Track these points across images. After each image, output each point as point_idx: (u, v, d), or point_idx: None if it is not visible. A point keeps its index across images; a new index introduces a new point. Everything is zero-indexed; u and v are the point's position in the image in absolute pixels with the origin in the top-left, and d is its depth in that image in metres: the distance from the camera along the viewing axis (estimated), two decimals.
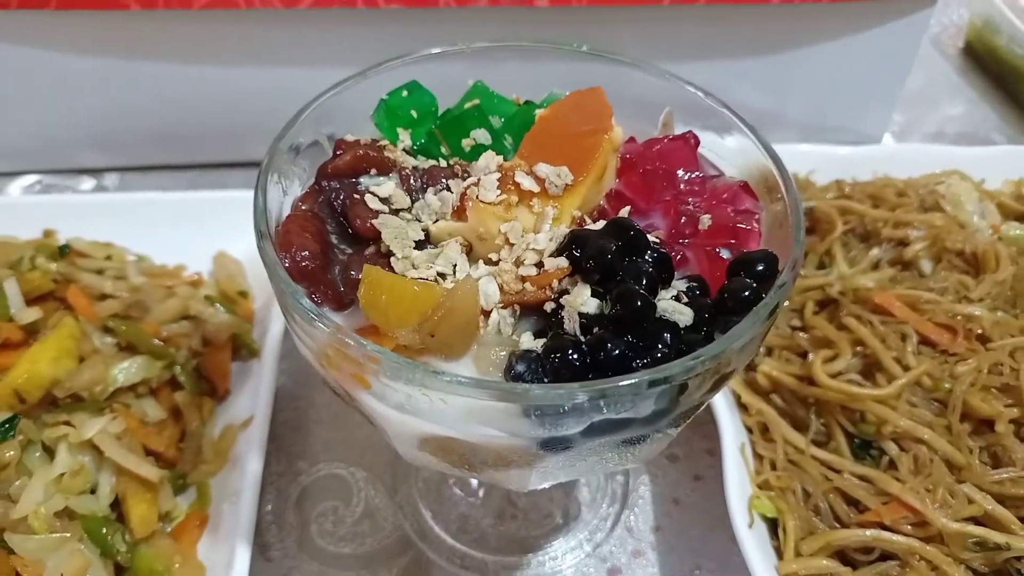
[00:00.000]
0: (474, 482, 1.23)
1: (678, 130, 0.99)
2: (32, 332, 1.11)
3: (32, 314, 1.10)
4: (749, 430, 1.18)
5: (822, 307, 1.30)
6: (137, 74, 1.60)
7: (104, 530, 1.02)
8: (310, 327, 0.72)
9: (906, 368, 1.12)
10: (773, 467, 1.13)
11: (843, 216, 1.41)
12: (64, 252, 1.29)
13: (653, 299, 0.76)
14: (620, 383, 0.66)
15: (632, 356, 0.71)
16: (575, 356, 0.72)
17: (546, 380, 0.73)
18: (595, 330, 0.75)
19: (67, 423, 1.05)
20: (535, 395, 0.65)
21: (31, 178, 1.74)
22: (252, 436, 1.15)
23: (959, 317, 1.17)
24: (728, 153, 0.99)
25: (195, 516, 1.10)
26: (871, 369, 1.17)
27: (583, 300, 0.76)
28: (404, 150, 0.95)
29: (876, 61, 1.77)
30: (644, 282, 0.76)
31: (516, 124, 0.97)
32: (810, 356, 1.19)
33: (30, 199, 1.62)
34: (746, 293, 0.76)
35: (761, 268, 0.79)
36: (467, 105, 0.97)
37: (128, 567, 1.02)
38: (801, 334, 1.25)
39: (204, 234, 1.41)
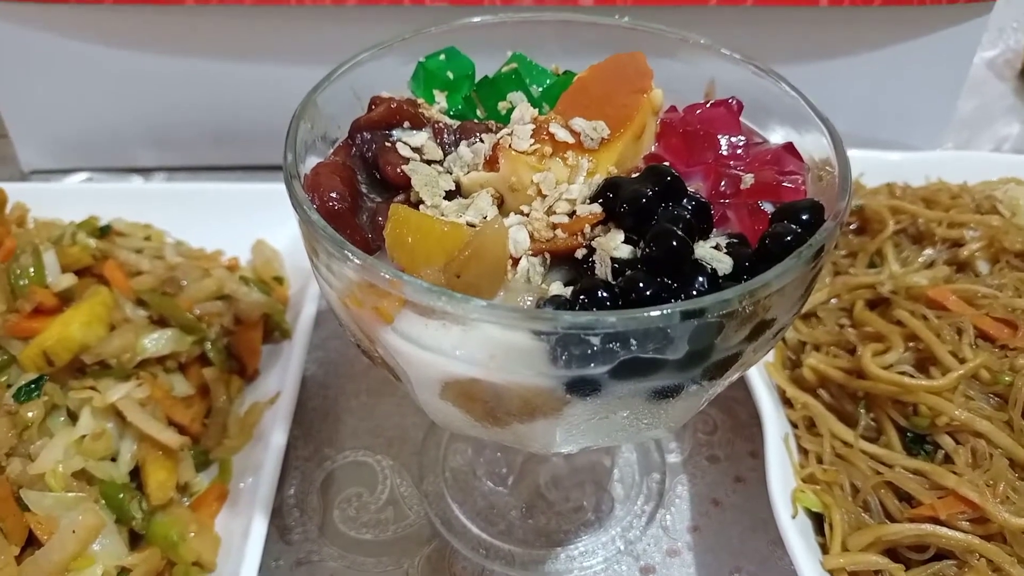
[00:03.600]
0: (503, 470, 1.19)
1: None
2: (67, 300, 1.12)
3: (66, 280, 1.10)
4: (794, 425, 1.12)
5: (872, 307, 1.24)
6: (191, 71, 1.63)
7: (121, 496, 1.00)
8: (335, 261, 0.69)
9: (962, 361, 1.06)
10: (819, 461, 1.06)
11: (895, 216, 1.36)
12: (105, 231, 1.30)
13: (691, 243, 0.72)
14: (650, 312, 0.62)
15: (666, 298, 0.68)
16: (605, 295, 0.68)
17: None
18: (628, 273, 0.71)
19: (92, 388, 1.04)
20: (562, 320, 0.62)
21: (81, 175, 1.78)
22: (277, 412, 1.13)
23: (1020, 312, 1.10)
24: (774, 122, 0.95)
25: (215, 489, 1.08)
26: (924, 364, 1.10)
27: (616, 244, 0.73)
28: (439, 112, 0.94)
29: (929, 70, 1.72)
30: (680, 226, 0.72)
31: (555, 94, 0.95)
32: (859, 350, 1.13)
33: (77, 186, 1.66)
34: (789, 238, 0.72)
35: (806, 216, 0.75)
36: (505, 69, 0.96)
37: (143, 534, 0.99)
38: (851, 330, 1.19)
39: (244, 224, 1.42)
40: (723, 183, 0.86)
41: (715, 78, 1.00)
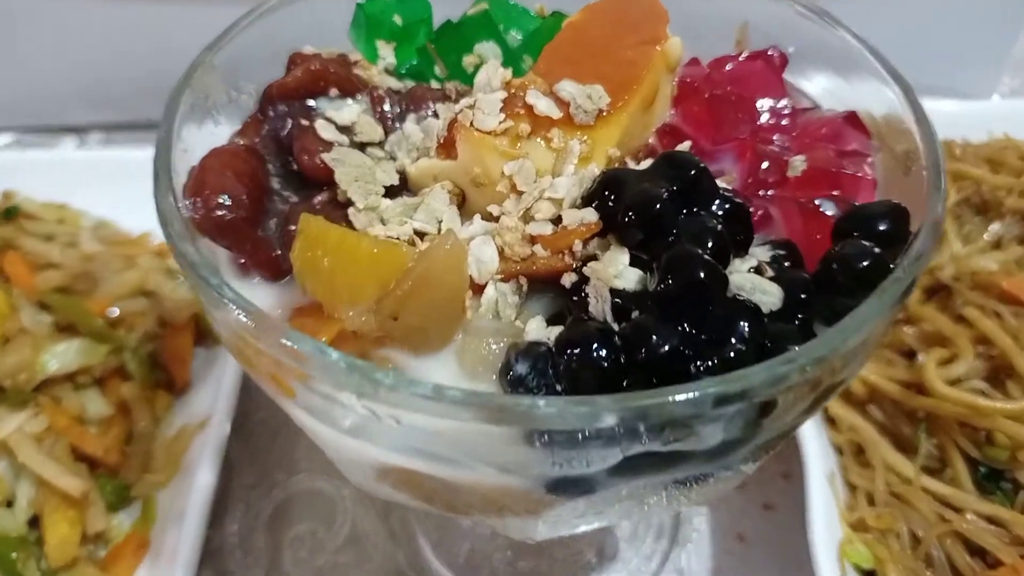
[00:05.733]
0: None
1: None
2: None
3: None
4: (838, 450, 0.92)
5: (931, 295, 1.03)
6: (126, 17, 1.39)
7: (15, 555, 0.81)
8: (210, 303, 0.48)
9: None
10: (871, 501, 0.87)
11: (955, 183, 1.13)
12: (11, 215, 1.09)
13: (724, 270, 0.51)
14: (672, 398, 0.41)
15: (690, 356, 0.47)
16: (603, 353, 0.48)
17: (559, 388, 0.49)
18: (634, 315, 0.50)
19: None
20: (536, 414, 0.41)
21: (6, 137, 1.55)
22: (210, 437, 0.93)
23: None
24: (827, 81, 0.73)
25: (134, 539, 0.89)
26: (999, 375, 0.90)
27: (617, 270, 0.51)
28: (386, 71, 0.71)
29: (983, 5, 1.48)
30: (710, 245, 0.50)
31: (539, 41, 0.71)
32: (920, 357, 0.92)
33: None
34: (865, 263, 0.50)
35: (885, 227, 0.53)
36: (471, 11, 0.72)
37: None
38: (906, 328, 0.98)
39: None
40: (763, 167, 0.64)
41: (748, 20, 0.76)
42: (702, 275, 0.47)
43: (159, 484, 0.93)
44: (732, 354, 0.46)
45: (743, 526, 0.99)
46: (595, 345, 0.48)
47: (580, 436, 0.42)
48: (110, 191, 1.17)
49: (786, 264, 0.56)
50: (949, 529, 0.82)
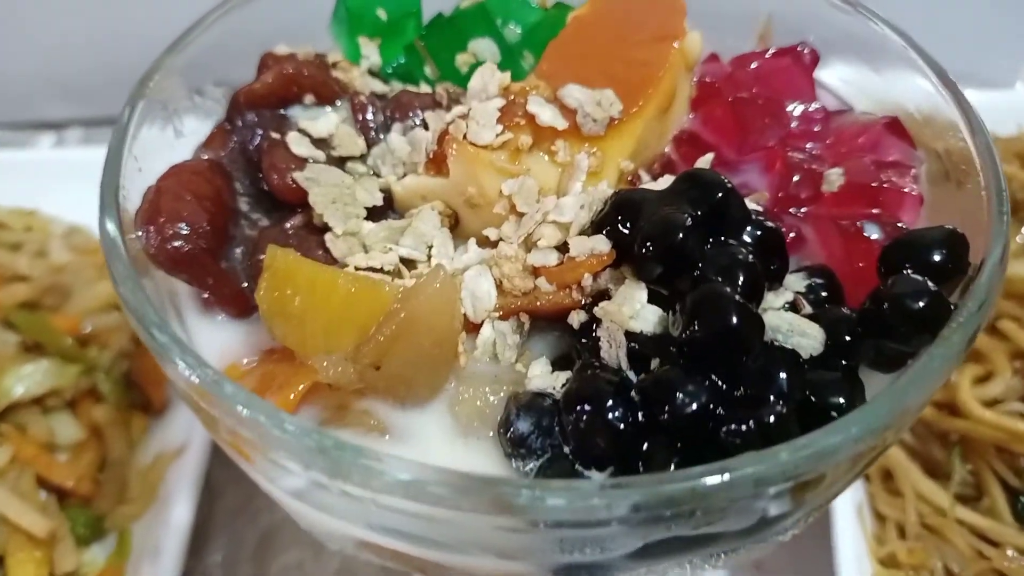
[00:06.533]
0: None
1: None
2: None
3: None
4: (866, 477, 0.85)
5: None
6: (104, 5, 1.31)
7: None
8: (156, 355, 0.41)
9: None
10: (901, 534, 0.80)
11: None
12: None
13: (756, 309, 0.44)
14: (703, 481, 0.34)
15: (721, 417, 0.40)
16: (619, 412, 0.41)
17: (567, 451, 0.42)
18: (653, 364, 0.43)
19: None
20: (539, 507, 0.34)
21: None
22: (186, 467, 0.86)
23: None
24: (861, 81, 0.65)
25: (108, 574, 0.82)
26: None
27: (634, 310, 0.44)
28: (370, 72, 0.64)
29: None
30: (741, 281, 0.43)
31: (541, 36, 0.64)
32: (953, 374, 0.85)
33: None
34: (922, 304, 0.43)
35: (941, 259, 0.46)
36: (465, 3, 0.65)
37: None
38: None
39: None
40: (795, 180, 0.56)
41: (772, 13, 0.69)
42: (735, 321, 0.40)
43: (134, 515, 0.87)
44: (771, 417, 0.39)
45: (761, 554, 0.92)
46: (609, 402, 0.41)
47: (589, 524, 0.35)
48: (88, 193, 1.10)
49: (823, 295, 0.49)
50: (988, 567, 0.76)
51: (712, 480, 0.34)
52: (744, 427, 0.39)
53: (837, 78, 0.68)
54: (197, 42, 0.62)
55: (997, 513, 0.80)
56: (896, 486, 0.83)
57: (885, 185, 0.55)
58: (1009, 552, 0.76)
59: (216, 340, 0.50)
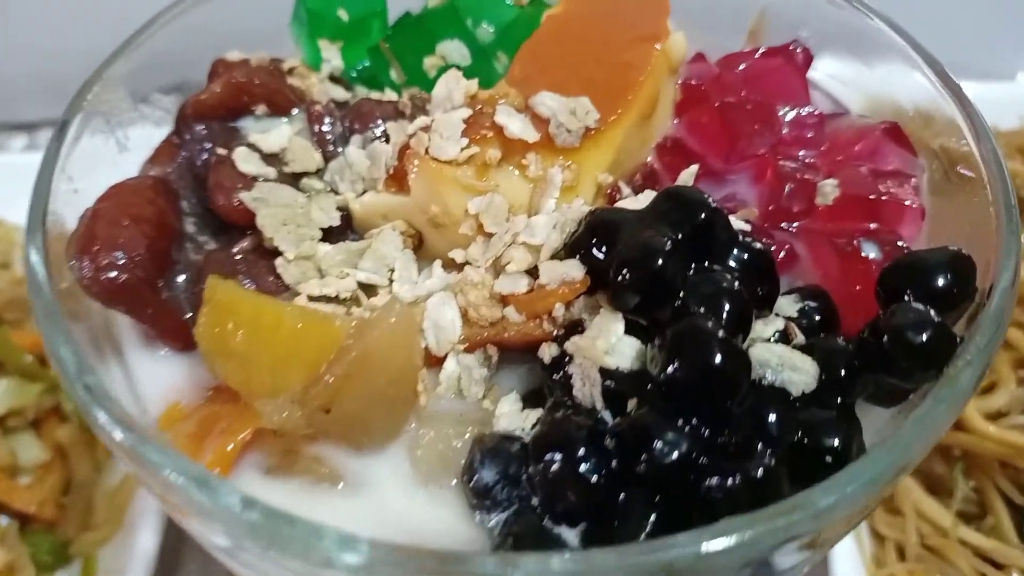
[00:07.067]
0: None
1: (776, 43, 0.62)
2: None
3: None
4: None
5: None
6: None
7: None
8: (78, 404, 0.37)
9: None
10: (901, 555, 0.77)
11: None
12: None
13: (742, 344, 0.40)
14: (689, 551, 0.30)
15: (705, 467, 0.36)
16: (592, 462, 0.37)
17: (534, 504, 0.38)
18: (631, 404, 0.39)
19: None
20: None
21: None
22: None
23: None
24: (857, 79, 0.61)
25: None
26: None
27: (609, 344, 0.40)
28: (332, 78, 0.59)
29: None
30: (726, 312, 0.39)
31: (516, 36, 0.60)
32: None
33: None
34: (925, 338, 0.39)
35: (945, 284, 0.42)
36: (433, 2, 0.60)
37: None
38: None
39: None
40: (787, 191, 0.52)
41: (765, 8, 0.65)
42: (718, 361, 0.36)
43: (101, 540, 0.83)
44: (759, 471, 0.35)
45: None
46: (580, 451, 0.37)
47: None
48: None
49: (817, 319, 0.45)
50: None
51: (694, 549, 0.30)
52: (730, 481, 0.35)
53: (830, 75, 0.64)
54: (146, 46, 0.57)
55: (1001, 533, 0.76)
56: (896, 505, 0.80)
57: (884, 198, 0.51)
58: (1014, 575, 0.73)
59: (159, 376, 0.46)
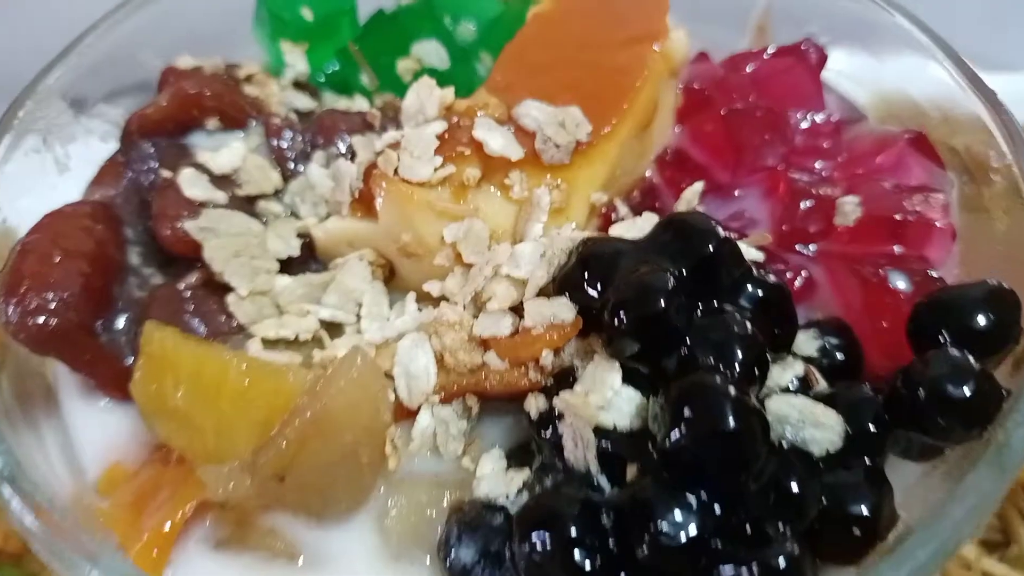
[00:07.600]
0: None
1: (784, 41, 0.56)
2: None
3: None
4: None
5: None
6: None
7: None
8: None
9: None
10: None
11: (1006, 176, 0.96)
12: None
13: (758, 396, 0.34)
14: None
15: (716, 554, 0.31)
16: (585, 547, 0.32)
17: None
18: (630, 471, 0.34)
19: None
20: None
21: None
22: None
23: None
24: (870, 76, 0.56)
25: None
26: None
27: (604, 399, 0.35)
28: (296, 84, 0.54)
29: None
30: (739, 361, 0.34)
31: (500, 34, 0.54)
32: None
33: None
34: (967, 391, 0.33)
35: (986, 325, 0.36)
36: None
37: None
38: None
39: None
40: (802, 208, 0.47)
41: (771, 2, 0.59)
42: (732, 427, 0.31)
43: None
44: (780, 560, 0.30)
45: None
46: (573, 531, 0.32)
47: None
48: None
49: (839, 358, 0.40)
50: None
51: None
52: (745, 571, 0.30)
53: (840, 72, 0.58)
54: (89, 52, 0.52)
55: None
56: None
57: (910, 217, 0.46)
58: None
59: (99, 430, 0.41)
